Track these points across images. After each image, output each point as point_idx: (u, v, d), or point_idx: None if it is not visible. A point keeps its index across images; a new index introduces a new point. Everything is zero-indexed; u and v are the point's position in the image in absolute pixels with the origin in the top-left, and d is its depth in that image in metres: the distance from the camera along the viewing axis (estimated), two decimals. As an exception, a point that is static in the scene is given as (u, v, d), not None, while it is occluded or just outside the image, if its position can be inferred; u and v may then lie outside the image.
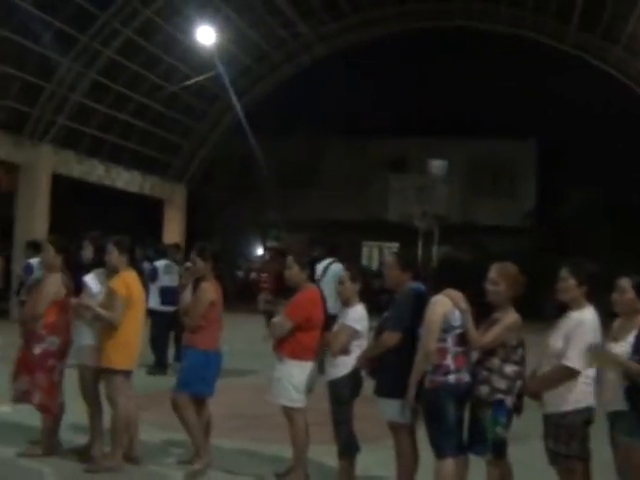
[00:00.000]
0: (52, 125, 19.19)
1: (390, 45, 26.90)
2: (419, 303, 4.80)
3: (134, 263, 5.86)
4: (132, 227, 16.75)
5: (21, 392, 5.87)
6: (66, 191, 20.41)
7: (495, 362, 4.40)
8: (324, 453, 5.65)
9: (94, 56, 19.12)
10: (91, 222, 14.66)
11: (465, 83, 28.00)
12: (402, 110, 28.04)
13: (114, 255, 5.63)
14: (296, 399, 5.32)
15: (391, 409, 4.84)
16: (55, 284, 5.85)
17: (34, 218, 18.78)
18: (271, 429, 6.65)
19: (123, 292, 5.54)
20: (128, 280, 5.62)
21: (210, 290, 5.63)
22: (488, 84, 27.74)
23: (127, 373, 5.71)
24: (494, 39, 25.09)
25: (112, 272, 5.69)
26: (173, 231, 24.69)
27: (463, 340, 4.53)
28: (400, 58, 28.32)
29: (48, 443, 5.94)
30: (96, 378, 5.80)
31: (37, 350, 5.80)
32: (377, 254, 31.10)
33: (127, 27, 19.17)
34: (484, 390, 4.40)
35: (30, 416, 6.20)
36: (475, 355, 4.57)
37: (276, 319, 5.47)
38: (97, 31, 18.66)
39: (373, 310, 5.35)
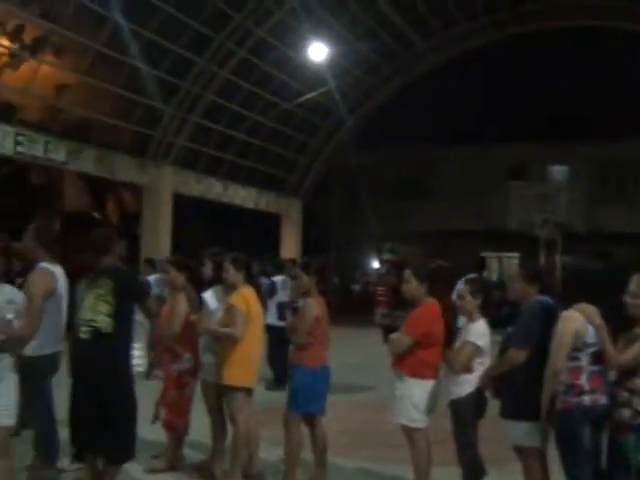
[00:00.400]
0: (172, 147, 19.93)
1: (503, 49, 26.14)
2: (548, 317, 4.49)
3: (251, 279, 5.85)
4: (250, 242, 17.04)
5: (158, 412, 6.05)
6: (187, 210, 21.10)
7: (637, 382, 4.03)
8: (447, 475, 5.39)
9: (211, 78, 19.73)
10: (211, 239, 15.01)
11: (586, 84, 26.77)
12: (519, 115, 27.15)
13: (231, 272, 5.64)
14: (417, 419, 5.11)
15: (517, 432, 4.55)
16: (184, 302, 5.97)
17: (158, 237, 19.53)
18: (390, 448, 6.44)
19: (242, 307, 5.54)
20: (246, 296, 5.62)
21: (314, 306, 5.53)
22: (611, 84, 26.41)
23: (248, 390, 5.69)
24: (617, 36, 23.88)
25: (230, 289, 5.70)
26: (290, 246, 25.02)
27: (599, 358, 4.18)
28: (515, 62, 27.44)
29: (171, 458, 6.03)
30: (219, 395, 5.82)
31: (173, 370, 5.96)
32: (497, 265, 30.21)
33: (241, 47, 19.67)
34: (625, 413, 4.04)
35: (157, 429, 6.31)
36: (613, 375, 4.21)
37: (394, 335, 5.29)
38: (213, 53, 19.26)
39: (495, 324, 5.09)
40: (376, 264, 30.58)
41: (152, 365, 9.96)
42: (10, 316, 3.55)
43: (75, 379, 4.98)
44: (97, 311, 4.87)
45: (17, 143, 15.98)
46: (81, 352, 4.95)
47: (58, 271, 5.56)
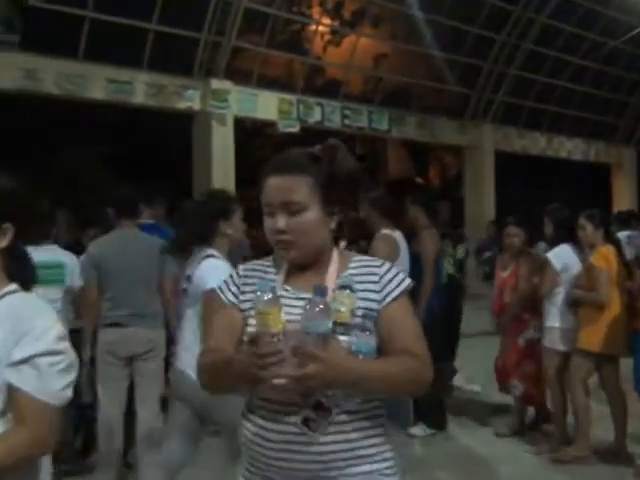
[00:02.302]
0: (491, 103, 19.35)
1: None
2: None
3: (610, 237, 5.22)
4: (578, 197, 15.86)
5: (507, 384, 5.82)
6: (507, 167, 20.38)
7: None
8: None
9: (527, 25, 18.69)
10: (535, 196, 14.24)
11: None
12: None
13: (589, 230, 5.09)
14: None
15: None
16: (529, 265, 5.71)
17: (481, 197, 19.17)
18: None
19: (604, 268, 4.97)
20: (607, 255, 5.03)
21: None
22: None
23: (611, 358, 5.12)
24: None
25: (588, 248, 5.15)
26: (623, 198, 22.95)
27: None
28: None
29: (517, 423, 5.82)
30: (562, 363, 5.34)
31: (520, 340, 5.67)
32: None
33: (560, -12, 18.29)
34: None
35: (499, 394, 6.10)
36: None
37: None
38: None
39: None
40: None
41: None
42: None
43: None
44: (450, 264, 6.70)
45: (344, 117, 16.76)
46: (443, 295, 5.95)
47: (398, 235, 5.60)
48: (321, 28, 16.69)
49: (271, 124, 16.09)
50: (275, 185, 1.85)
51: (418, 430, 5.93)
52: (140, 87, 13.62)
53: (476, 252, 12.72)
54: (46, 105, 14.21)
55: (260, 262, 1.99)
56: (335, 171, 1.87)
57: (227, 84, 14.47)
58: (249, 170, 20.40)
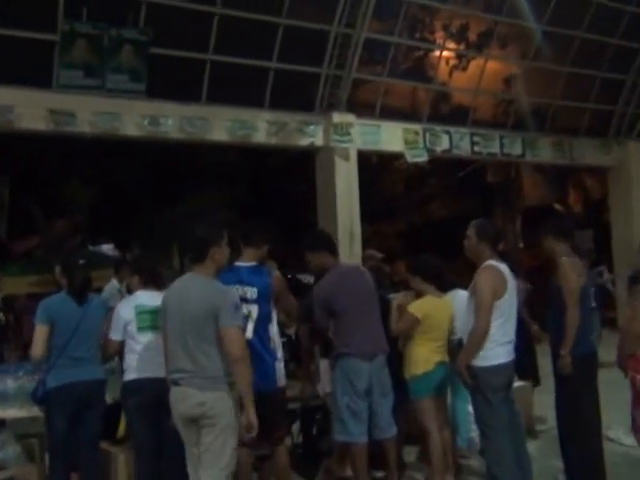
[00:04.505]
0: (637, 118, 17.85)
1: None
2: None
3: None
4: None
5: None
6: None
7: None
8: None
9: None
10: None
11: None
12: None
13: None
14: None
15: None
16: None
17: (630, 222, 17.54)
18: None
19: None
20: None
21: None
22: None
23: None
24: None
25: None
26: None
27: None
28: None
29: None
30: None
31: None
32: None
33: None
34: None
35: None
36: None
37: None
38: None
39: None
40: None
41: None
42: None
43: None
44: None
45: (473, 143, 15.95)
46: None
47: (504, 268, 4.88)
48: (446, 53, 16.03)
49: (398, 156, 15.54)
50: None
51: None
52: (262, 125, 13.49)
53: (630, 281, 11.38)
54: (168, 149, 14.43)
55: None
56: None
57: (349, 117, 14.08)
58: (379, 205, 20.00)
